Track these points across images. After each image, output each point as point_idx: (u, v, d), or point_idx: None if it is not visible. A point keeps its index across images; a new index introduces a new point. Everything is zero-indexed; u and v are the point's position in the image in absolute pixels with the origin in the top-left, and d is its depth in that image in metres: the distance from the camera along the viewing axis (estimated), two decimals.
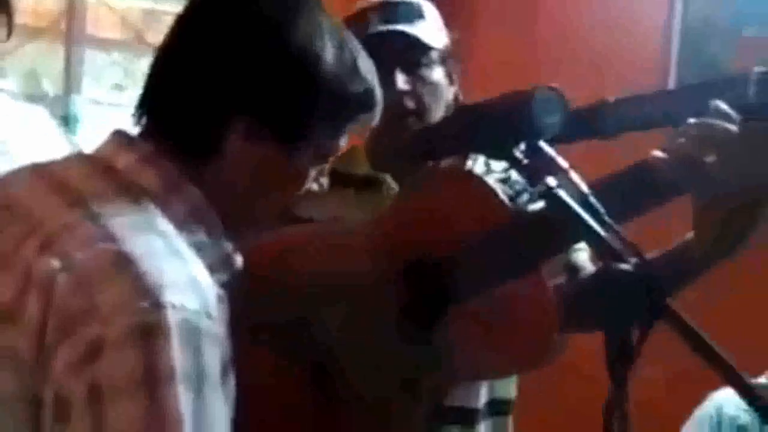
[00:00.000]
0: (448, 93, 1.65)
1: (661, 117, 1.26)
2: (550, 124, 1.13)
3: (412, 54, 1.60)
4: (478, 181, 1.48)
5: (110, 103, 4.21)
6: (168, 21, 1.12)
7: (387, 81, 1.41)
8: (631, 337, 1.02)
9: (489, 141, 1.20)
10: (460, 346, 1.44)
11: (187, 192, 1.06)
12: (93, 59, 4.03)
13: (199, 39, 1.09)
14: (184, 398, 0.91)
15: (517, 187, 1.57)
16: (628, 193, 1.26)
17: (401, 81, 1.59)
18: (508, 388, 1.64)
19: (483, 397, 1.61)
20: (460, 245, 1.42)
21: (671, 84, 2.87)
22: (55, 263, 0.96)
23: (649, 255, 1.34)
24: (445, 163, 1.61)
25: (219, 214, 1.08)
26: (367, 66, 1.13)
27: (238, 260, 1.12)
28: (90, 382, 0.91)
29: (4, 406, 0.97)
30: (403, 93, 1.59)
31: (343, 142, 1.15)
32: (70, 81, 3.88)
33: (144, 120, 1.11)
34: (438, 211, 1.48)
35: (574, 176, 1.15)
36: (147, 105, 1.11)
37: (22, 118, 2.20)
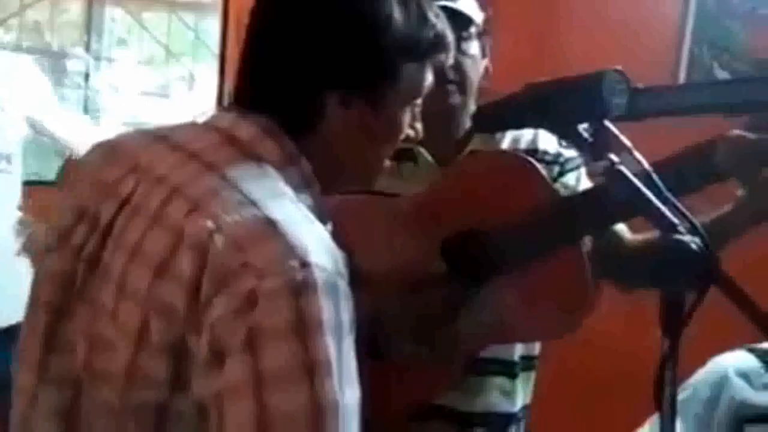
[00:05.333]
0: (482, 66, 1.75)
1: (689, 107, 1.30)
2: (617, 104, 1.19)
3: (455, 28, 1.62)
4: (526, 163, 1.58)
5: (111, 59, 4.17)
6: None
7: None
8: (685, 301, 1.10)
9: (557, 118, 1.25)
10: (497, 311, 1.55)
11: (300, 162, 1.15)
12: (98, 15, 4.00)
13: (279, 26, 1.17)
14: (330, 345, 1.01)
15: (547, 158, 1.71)
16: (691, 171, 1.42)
17: None
18: (535, 345, 1.80)
19: (518, 350, 1.73)
20: (505, 220, 1.52)
21: (684, 61, 2.86)
22: (210, 225, 1.03)
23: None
24: (476, 139, 1.73)
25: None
26: (434, 13, 1.22)
27: (330, 226, 1.19)
28: (247, 328, 0.99)
29: (148, 351, 1.05)
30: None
31: (429, 81, 1.24)
32: (90, 37, 3.85)
33: (242, 97, 1.20)
34: (485, 188, 1.58)
35: (637, 154, 1.20)
36: (247, 86, 1.20)
37: (7, 68, 2.19)
